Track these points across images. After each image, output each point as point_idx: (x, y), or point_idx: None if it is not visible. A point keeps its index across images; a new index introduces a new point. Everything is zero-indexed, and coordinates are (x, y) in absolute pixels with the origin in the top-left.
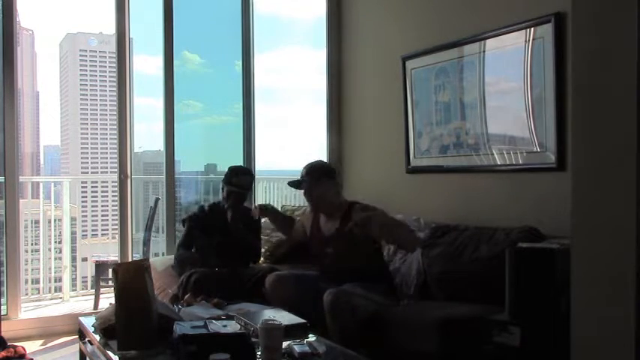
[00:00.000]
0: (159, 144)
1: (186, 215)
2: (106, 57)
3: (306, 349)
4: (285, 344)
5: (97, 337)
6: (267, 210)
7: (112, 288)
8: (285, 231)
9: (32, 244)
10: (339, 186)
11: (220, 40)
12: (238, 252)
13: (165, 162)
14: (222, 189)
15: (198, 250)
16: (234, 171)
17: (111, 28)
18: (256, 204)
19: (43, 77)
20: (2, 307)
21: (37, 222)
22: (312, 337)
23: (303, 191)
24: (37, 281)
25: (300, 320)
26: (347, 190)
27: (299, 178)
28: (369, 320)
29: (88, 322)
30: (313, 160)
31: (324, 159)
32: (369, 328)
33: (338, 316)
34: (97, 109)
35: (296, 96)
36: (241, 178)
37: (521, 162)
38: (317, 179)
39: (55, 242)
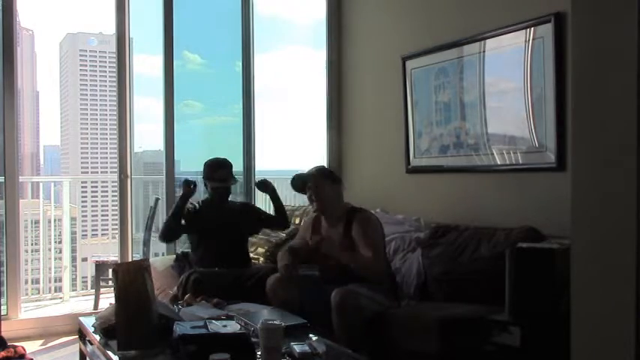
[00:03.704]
0: (159, 144)
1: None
2: (106, 57)
3: (306, 349)
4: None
5: (97, 337)
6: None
7: (112, 288)
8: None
9: (32, 244)
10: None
11: (220, 40)
12: (235, 250)
13: (165, 162)
14: (205, 185)
15: (194, 251)
16: (212, 165)
17: (111, 28)
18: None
19: (43, 77)
20: (2, 307)
21: (37, 222)
22: (312, 337)
23: (308, 194)
24: (37, 281)
25: (300, 320)
26: (347, 190)
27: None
28: (372, 320)
29: (88, 322)
30: (317, 165)
31: (325, 159)
32: (371, 328)
33: (345, 315)
34: (97, 109)
35: (296, 96)
36: (222, 172)
37: (521, 162)
38: (324, 182)
39: (55, 242)
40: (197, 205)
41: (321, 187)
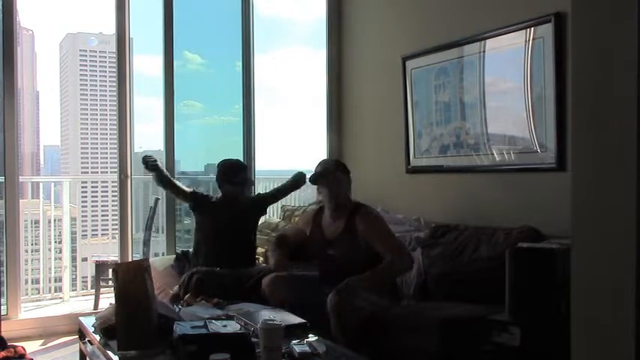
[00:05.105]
0: (159, 144)
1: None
2: (106, 57)
3: (306, 349)
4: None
5: (97, 337)
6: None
7: (112, 288)
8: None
9: (32, 244)
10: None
11: (220, 40)
12: (239, 252)
13: (166, 162)
14: (220, 186)
15: (198, 250)
16: (230, 167)
17: (111, 28)
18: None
19: (43, 77)
20: (2, 307)
21: (37, 222)
22: (312, 337)
23: (322, 183)
24: (37, 281)
25: (300, 320)
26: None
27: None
28: (371, 321)
29: (88, 322)
30: (328, 158)
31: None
32: (370, 328)
33: (341, 316)
34: (97, 109)
35: (296, 96)
36: (242, 175)
37: (521, 162)
38: (338, 173)
39: (55, 242)
40: (215, 198)
41: (334, 180)
